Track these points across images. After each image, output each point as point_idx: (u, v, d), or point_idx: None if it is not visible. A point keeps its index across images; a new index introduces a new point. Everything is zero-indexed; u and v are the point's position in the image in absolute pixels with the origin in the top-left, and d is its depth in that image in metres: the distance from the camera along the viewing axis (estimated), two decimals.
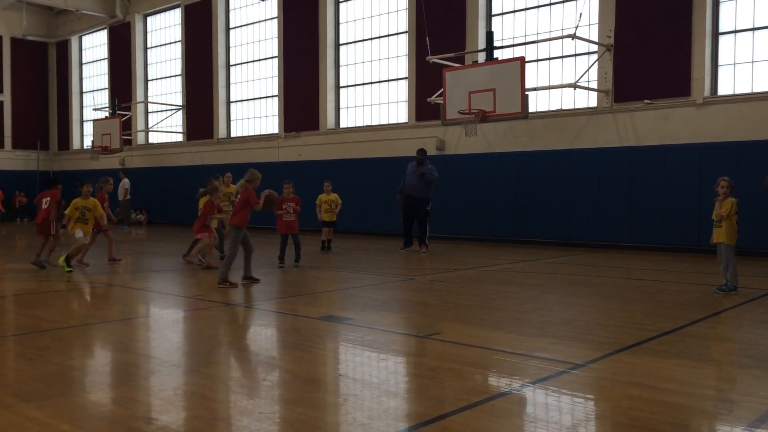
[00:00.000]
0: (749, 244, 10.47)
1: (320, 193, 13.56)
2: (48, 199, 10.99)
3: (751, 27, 13.13)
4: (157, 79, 25.97)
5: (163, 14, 25.49)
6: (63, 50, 29.53)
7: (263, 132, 21.94)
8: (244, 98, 22.84)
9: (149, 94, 26.22)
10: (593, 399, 4.22)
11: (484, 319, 6.83)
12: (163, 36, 25.60)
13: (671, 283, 9.28)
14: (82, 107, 29.60)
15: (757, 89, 13.03)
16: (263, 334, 6.35)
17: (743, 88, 13.23)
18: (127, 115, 24.71)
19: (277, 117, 21.25)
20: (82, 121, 29.62)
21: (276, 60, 21.30)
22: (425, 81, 16.80)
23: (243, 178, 9.04)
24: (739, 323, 6.78)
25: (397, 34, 18.44)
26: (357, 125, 19.44)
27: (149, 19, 26.17)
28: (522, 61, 13.24)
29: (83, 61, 29.46)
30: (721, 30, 13.44)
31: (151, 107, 26.18)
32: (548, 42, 15.18)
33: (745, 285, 8.34)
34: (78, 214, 10.48)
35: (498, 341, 5.73)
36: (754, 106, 12.76)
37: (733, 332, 6.39)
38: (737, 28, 13.28)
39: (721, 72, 13.51)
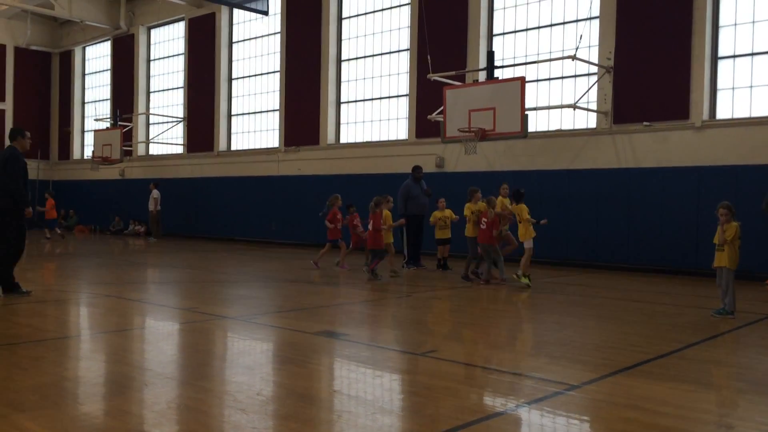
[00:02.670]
0: (747, 267, 10.47)
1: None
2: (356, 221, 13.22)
3: (750, 52, 13.24)
4: (159, 91, 26.06)
5: (166, 27, 25.64)
6: (66, 60, 29.66)
7: (263, 146, 22.00)
8: (245, 112, 22.92)
9: (151, 105, 26.30)
10: (588, 421, 4.20)
11: (481, 337, 6.82)
12: (167, 48, 25.74)
13: (669, 305, 9.27)
14: (83, 117, 29.65)
15: (756, 114, 13.10)
16: (258, 348, 6.32)
17: (742, 113, 13.29)
18: (128, 126, 24.77)
19: (278, 131, 21.32)
20: (83, 131, 29.67)
21: (278, 74, 21.40)
22: (426, 98, 16.87)
23: (484, 200, 11.22)
24: (735, 347, 6.77)
25: (398, 51, 18.56)
26: (357, 141, 19.50)
27: (153, 32, 26.31)
28: (522, 80, 13.32)
29: (86, 72, 29.57)
30: (720, 54, 13.53)
31: (152, 119, 26.25)
32: (548, 63, 15.28)
33: (742, 309, 8.33)
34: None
35: (494, 360, 5.71)
36: (753, 131, 12.82)
37: (730, 356, 6.37)
38: (736, 53, 13.39)
39: (720, 96, 13.59)
